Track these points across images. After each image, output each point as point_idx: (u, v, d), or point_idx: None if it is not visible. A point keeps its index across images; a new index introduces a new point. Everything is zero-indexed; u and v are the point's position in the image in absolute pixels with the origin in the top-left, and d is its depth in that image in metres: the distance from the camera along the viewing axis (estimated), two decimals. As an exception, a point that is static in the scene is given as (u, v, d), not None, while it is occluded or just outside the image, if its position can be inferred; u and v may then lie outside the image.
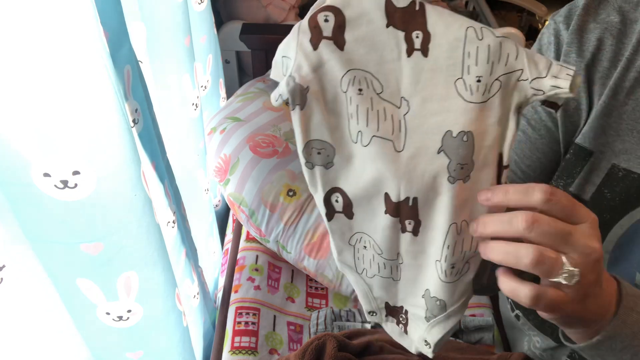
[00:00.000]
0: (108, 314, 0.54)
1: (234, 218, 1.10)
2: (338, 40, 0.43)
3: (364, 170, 0.45)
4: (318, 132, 0.44)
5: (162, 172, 0.64)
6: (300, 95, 0.43)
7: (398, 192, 0.44)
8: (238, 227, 1.06)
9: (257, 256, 0.98)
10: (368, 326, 0.81)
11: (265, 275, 0.95)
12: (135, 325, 0.57)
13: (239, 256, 0.99)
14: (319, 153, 0.45)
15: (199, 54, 1.00)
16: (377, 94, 0.44)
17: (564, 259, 0.40)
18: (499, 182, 0.44)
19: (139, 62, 0.58)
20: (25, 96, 0.37)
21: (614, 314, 0.45)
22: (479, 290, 0.49)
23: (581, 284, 0.40)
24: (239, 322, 0.85)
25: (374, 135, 0.43)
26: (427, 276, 0.48)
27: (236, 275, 0.94)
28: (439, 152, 0.43)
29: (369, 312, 0.53)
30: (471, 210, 0.44)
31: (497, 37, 0.42)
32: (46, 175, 0.41)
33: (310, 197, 0.93)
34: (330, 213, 0.47)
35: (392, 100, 0.44)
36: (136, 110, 0.56)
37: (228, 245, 1.06)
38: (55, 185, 0.42)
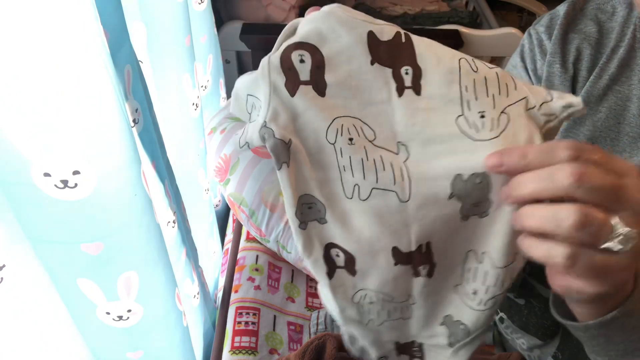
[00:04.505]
0: (108, 313, 0.54)
1: (234, 218, 1.10)
2: (318, 84, 0.38)
3: (365, 226, 0.39)
4: (307, 187, 0.39)
5: (162, 172, 0.64)
6: (284, 151, 0.37)
7: (409, 243, 0.39)
8: (238, 227, 1.06)
9: (257, 256, 0.98)
10: (368, 326, 0.81)
11: (266, 275, 0.95)
12: (136, 325, 0.57)
13: (239, 256, 0.99)
14: (309, 208, 0.39)
15: (199, 53, 1.00)
16: (370, 141, 0.39)
17: (616, 219, 0.33)
18: None
19: (139, 62, 0.58)
20: (25, 96, 0.37)
21: (634, 286, 0.39)
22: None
23: (636, 247, 0.34)
24: (239, 322, 0.85)
25: (373, 188, 0.38)
26: (446, 304, 0.44)
27: (236, 275, 0.94)
28: (450, 198, 0.38)
29: (380, 358, 0.47)
30: (492, 244, 0.40)
31: (491, 68, 0.38)
32: (46, 175, 0.41)
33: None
34: (331, 270, 0.41)
35: (388, 146, 0.39)
36: (136, 110, 0.56)
37: (228, 245, 1.06)
38: (56, 185, 0.42)
